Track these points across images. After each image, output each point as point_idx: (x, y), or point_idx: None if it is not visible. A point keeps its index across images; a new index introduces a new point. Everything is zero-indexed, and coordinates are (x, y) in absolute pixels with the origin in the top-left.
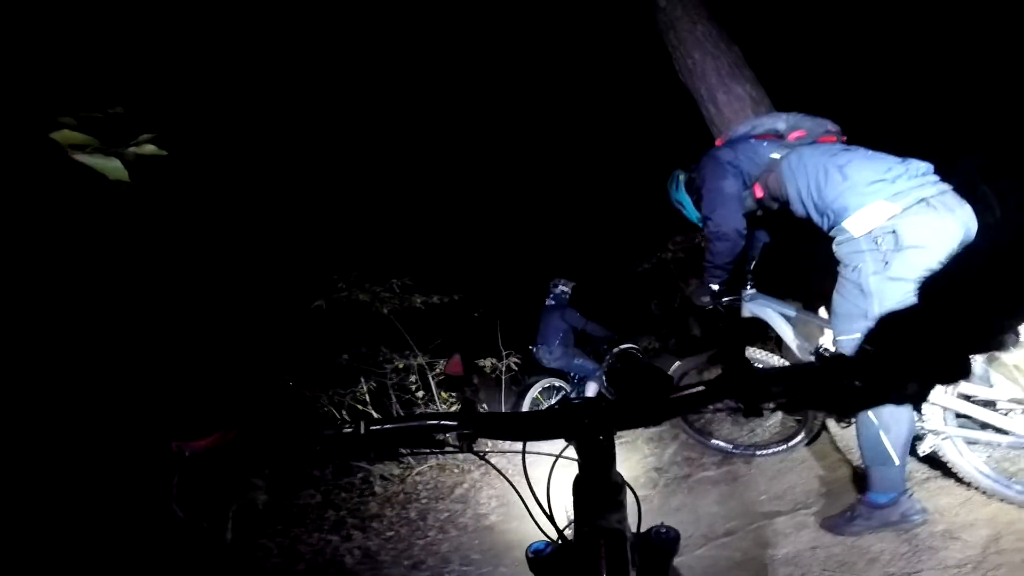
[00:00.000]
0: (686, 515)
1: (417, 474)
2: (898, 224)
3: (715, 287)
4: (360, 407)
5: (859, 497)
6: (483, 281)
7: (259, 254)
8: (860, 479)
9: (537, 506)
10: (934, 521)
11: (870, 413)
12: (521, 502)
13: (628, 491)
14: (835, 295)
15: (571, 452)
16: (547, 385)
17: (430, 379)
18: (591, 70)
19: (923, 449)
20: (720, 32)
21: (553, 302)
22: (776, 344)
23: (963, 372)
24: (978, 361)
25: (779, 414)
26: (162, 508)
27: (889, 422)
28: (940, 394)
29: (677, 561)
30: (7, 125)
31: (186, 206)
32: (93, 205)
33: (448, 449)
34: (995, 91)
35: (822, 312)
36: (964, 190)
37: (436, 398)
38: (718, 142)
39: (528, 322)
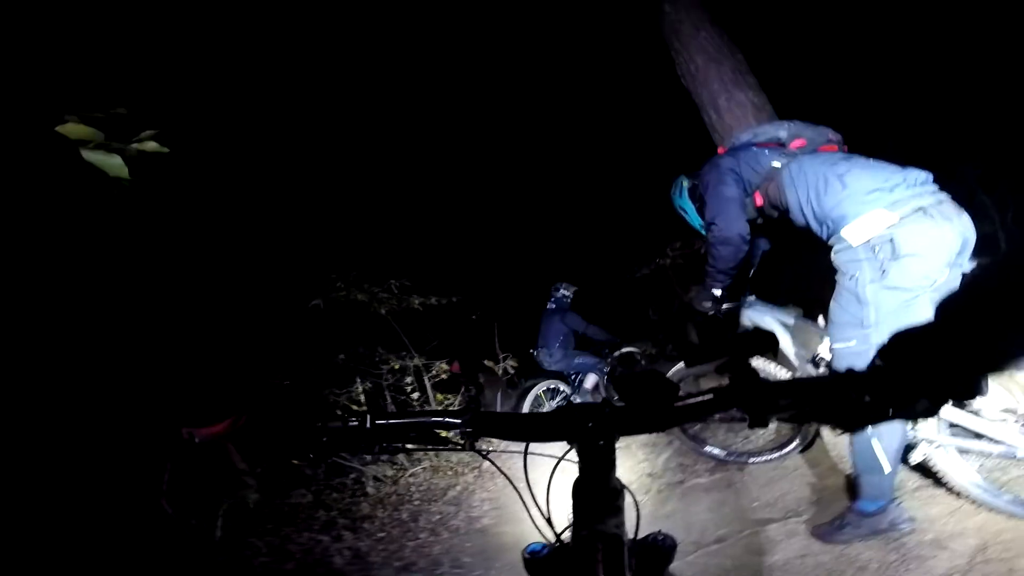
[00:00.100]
0: (678, 521)
1: (410, 476)
2: (895, 233)
3: (717, 292)
4: (355, 407)
5: (848, 505)
6: (482, 284)
7: (258, 252)
8: (851, 487)
9: (536, 507)
10: (923, 530)
11: None
12: (519, 504)
13: (627, 497)
14: (832, 303)
15: (573, 455)
16: (548, 387)
17: (426, 381)
18: (594, 74)
19: (915, 458)
20: (723, 38)
21: (554, 306)
22: (772, 351)
23: (978, 391)
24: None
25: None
26: (152, 505)
27: (882, 430)
28: None
29: (670, 568)
30: (12, 122)
31: (187, 204)
32: (98, 201)
33: (451, 447)
34: (994, 101)
35: (820, 320)
36: (962, 199)
37: (431, 400)
38: (720, 150)
39: (526, 326)
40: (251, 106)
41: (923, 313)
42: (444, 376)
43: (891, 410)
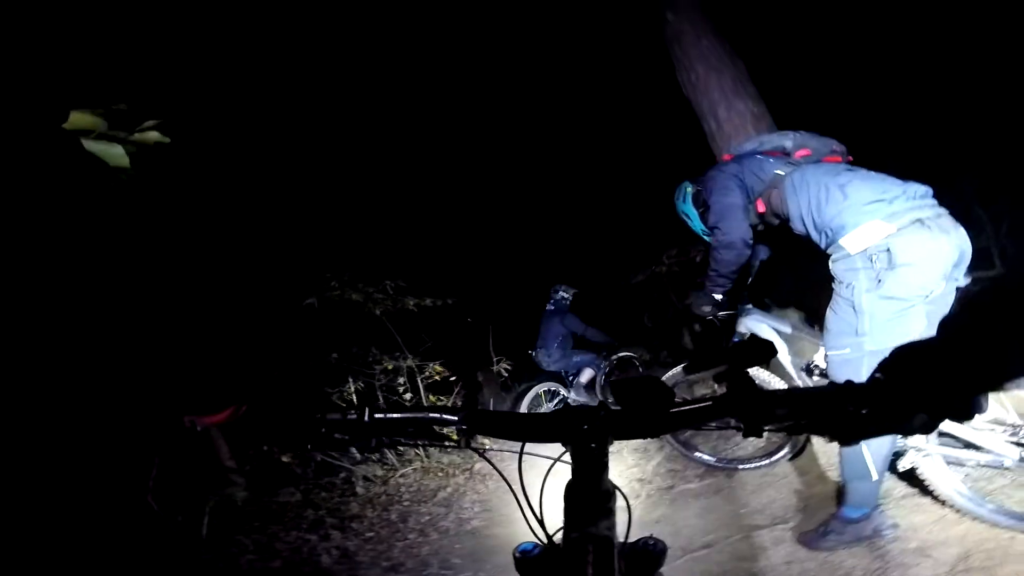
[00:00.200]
0: (666, 526)
1: (400, 476)
2: (892, 243)
3: (718, 297)
4: (346, 406)
5: (832, 513)
6: (477, 287)
7: (255, 249)
8: (839, 495)
9: (528, 507)
10: (907, 538)
11: None
12: (509, 506)
13: (620, 500)
14: (828, 311)
15: (567, 457)
16: (545, 389)
17: (419, 382)
18: (595, 80)
19: (903, 465)
20: (725, 47)
21: (553, 307)
22: (769, 360)
23: (977, 409)
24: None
25: None
26: (137, 501)
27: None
28: None
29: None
30: (12, 116)
31: (185, 200)
32: (100, 194)
33: (447, 443)
34: (991, 114)
35: (816, 329)
36: (958, 212)
37: (424, 401)
38: (725, 156)
39: (520, 329)
40: (249, 105)
41: (917, 324)
42: (437, 378)
43: (888, 424)
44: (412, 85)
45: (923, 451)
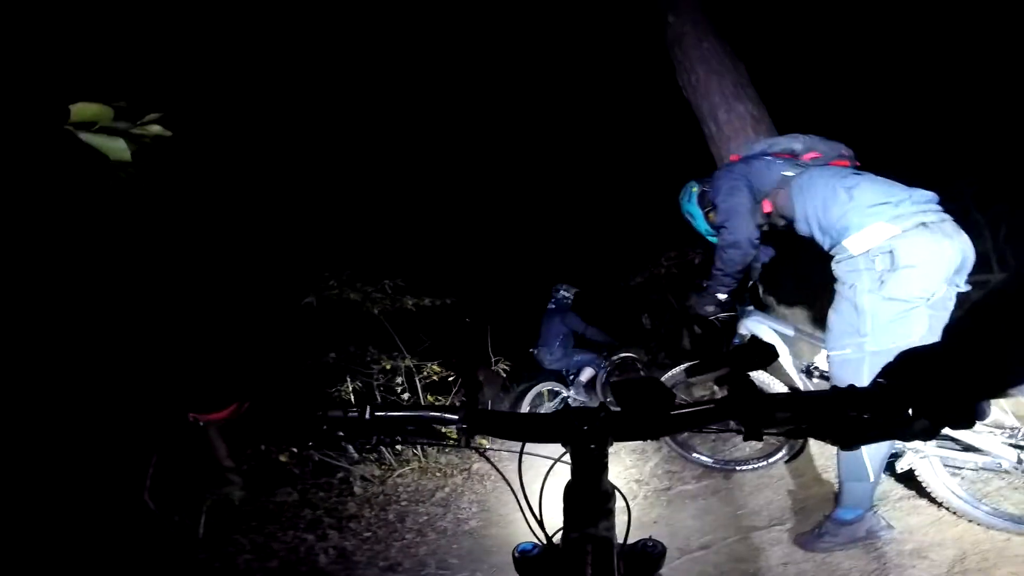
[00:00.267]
0: (663, 528)
1: (398, 476)
2: (896, 244)
3: (722, 296)
4: None
5: (826, 514)
6: (476, 286)
7: (253, 248)
8: (835, 497)
9: (528, 507)
10: (904, 540)
11: None
12: (507, 507)
13: (619, 501)
14: (830, 312)
15: (567, 458)
16: (546, 388)
17: (417, 382)
18: (595, 81)
19: (901, 466)
20: (726, 50)
21: (554, 306)
22: (770, 363)
23: (978, 416)
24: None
25: None
26: (135, 500)
27: None
28: None
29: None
30: (15, 113)
31: (186, 199)
32: (102, 195)
33: (446, 443)
34: (989, 119)
35: (818, 331)
36: (957, 217)
37: (422, 401)
38: (733, 157)
39: (520, 329)
40: (248, 104)
41: (919, 326)
42: (435, 378)
43: (889, 429)
44: (413, 85)
45: (921, 453)
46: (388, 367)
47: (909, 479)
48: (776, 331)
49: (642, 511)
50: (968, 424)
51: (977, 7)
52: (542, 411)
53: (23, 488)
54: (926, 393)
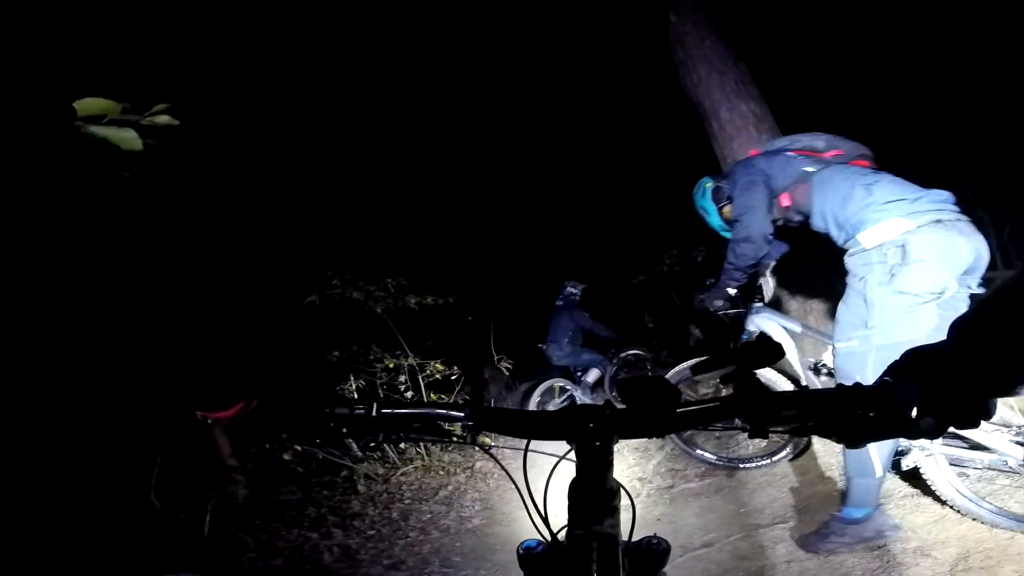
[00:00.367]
0: (666, 526)
1: (401, 474)
2: (909, 239)
3: (732, 291)
4: None
5: (832, 513)
6: (479, 285)
7: (256, 247)
8: (839, 495)
9: (533, 505)
10: (907, 538)
11: None
12: (511, 504)
13: (624, 499)
14: (840, 305)
15: (572, 455)
16: (555, 384)
17: (420, 380)
18: (598, 79)
19: (906, 464)
20: (728, 49)
21: (562, 303)
22: (776, 361)
23: (984, 415)
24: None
25: None
26: (140, 499)
27: None
28: None
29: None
30: (24, 113)
31: (191, 199)
32: (108, 192)
33: (451, 440)
34: (993, 117)
35: (826, 329)
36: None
37: (425, 399)
38: (753, 152)
39: (522, 327)
40: (250, 103)
41: (927, 322)
42: (438, 376)
43: (895, 428)
44: (416, 83)
45: (927, 451)
46: (391, 365)
47: (912, 476)
48: (785, 328)
49: (645, 509)
50: (974, 423)
51: (977, 7)
52: (551, 407)
53: (28, 487)
54: (932, 392)
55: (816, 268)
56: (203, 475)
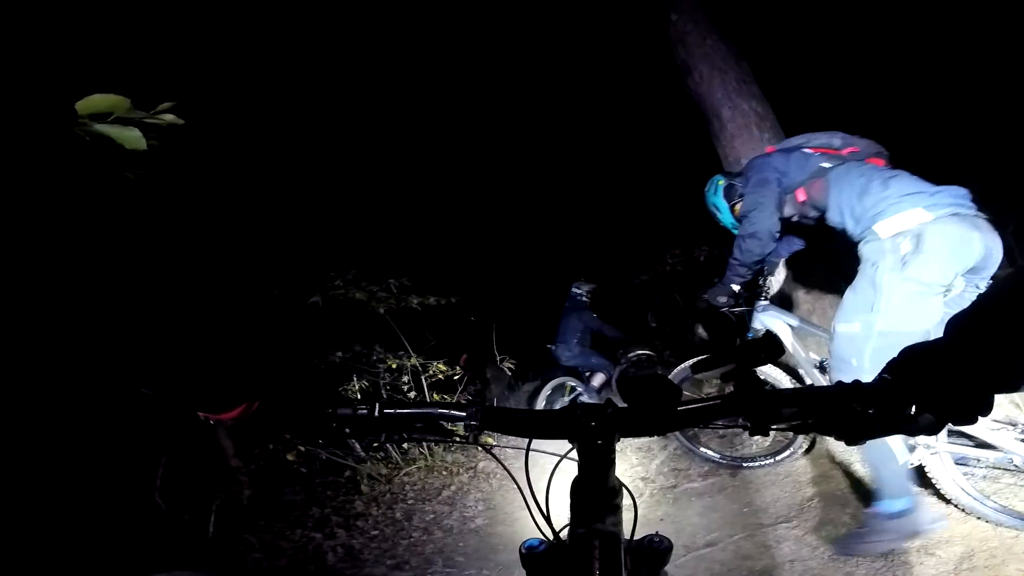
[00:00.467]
0: (669, 525)
1: (404, 474)
2: (926, 229)
3: (736, 288)
4: None
5: (868, 510)
6: (481, 285)
7: (259, 248)
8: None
9: (535, 503)
10: None
11: None
12: (514, 504)
13: (626, 497)
14: (848, 290)
15: (575, 454)
16: (562, 383)
17: (423, 381)
18: (600, 77)
19: (911, 461)
20: (729, 48)
21: (571, 303)
22: (777, 358)
23: (982, 411)
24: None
25: None
26: (145, 499)
27: None
28: None
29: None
30: (21, 117)
31: (193, 199)
32: (111, 193)
33: (454, 439)
34: (996, 115)
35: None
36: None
37: (428, 399)
38: (769, 149)
39: (525, 328)
40: (254, 105)
41: (931, 313)
42: (441, 376)
43: (894, 424)
44: (419, 82)
45: (932, 449)
46: (394, 366)
47: (917, 475)
48: (791, 326)
49: (648, 509)
50: (972, 419)
51: (977, 7)
52: (559, 406)
53: (34, 488)
54: (930, 388)
55: (833, 270)
56: (207, 476)
